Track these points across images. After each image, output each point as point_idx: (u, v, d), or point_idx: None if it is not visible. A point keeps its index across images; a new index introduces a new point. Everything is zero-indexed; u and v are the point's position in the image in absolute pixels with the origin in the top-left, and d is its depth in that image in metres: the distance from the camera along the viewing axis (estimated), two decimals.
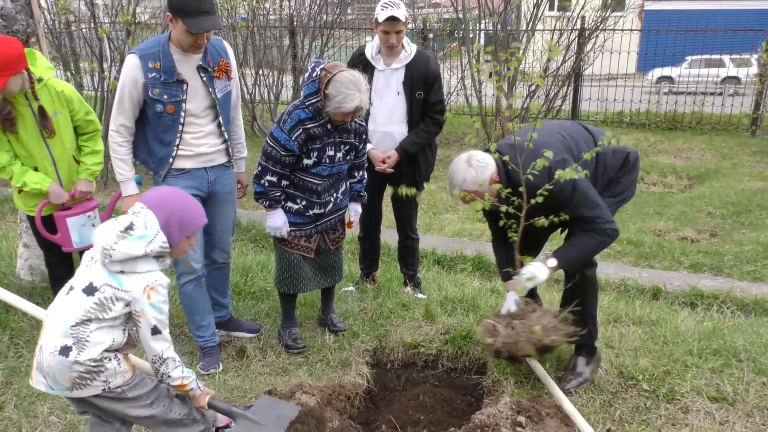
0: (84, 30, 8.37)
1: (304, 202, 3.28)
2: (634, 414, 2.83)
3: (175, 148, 3.06)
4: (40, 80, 3.17)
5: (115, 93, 6.83)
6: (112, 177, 7.29)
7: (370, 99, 3.76)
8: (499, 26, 9.18)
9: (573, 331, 2.89)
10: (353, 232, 4.14)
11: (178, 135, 3.05)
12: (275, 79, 10.48)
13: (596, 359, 3.16)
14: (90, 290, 2.13)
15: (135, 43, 6.57)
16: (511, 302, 3.01)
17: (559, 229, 3.05)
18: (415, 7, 13.20)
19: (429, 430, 2.92)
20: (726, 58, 12.09)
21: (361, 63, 3.82)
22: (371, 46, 3.83)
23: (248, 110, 10.09)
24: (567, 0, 9.47)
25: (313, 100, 3.06)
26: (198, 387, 2.36)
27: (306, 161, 3.18)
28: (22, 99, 3.13)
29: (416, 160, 3.89)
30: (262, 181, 3.19)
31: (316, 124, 3.10)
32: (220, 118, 3.15)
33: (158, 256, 2.19)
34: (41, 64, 3.24)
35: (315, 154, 3.16)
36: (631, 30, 10.80)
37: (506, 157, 2.81)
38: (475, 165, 2.82)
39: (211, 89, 3.07)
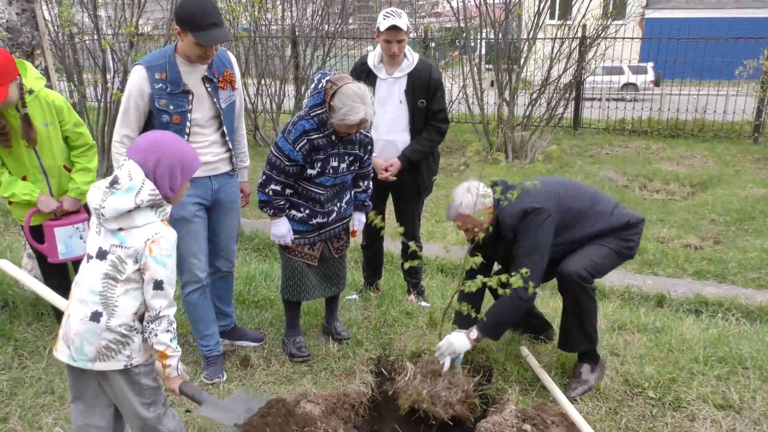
0: (87, 42, 8.43)
1: (307, 211, 3.29)
2: (640, 422, 2.82)
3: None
4: (31, 92, 3.15)
5: (117, 104, 6.85)
6: None
7: (372, 95, 3.79)
8: (500, 35, 9.22)
9: (467, 411, 2.99)
10: (356, 240, 4.15)
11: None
12: (277, 88, 10.52)
13: (600, 366, 3.15)
14: (101, 254, 2.13)
15: (138, 54, 6.62)
16: (447, 360, 3.07)
17: None
18: (417, 16, 13.26)
19: (427, 424, 2.90)
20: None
21: (363, 72, 3.84)
22: (374, 55, 3.85)
23: (251, 120, 10.12)
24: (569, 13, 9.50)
25: (318, 111, 3.07)
26: (177, 368, 2.27)
27: (310, 171, 3.19)
28: (13, 110, 3.12)
29: (419, 168, 3.90)
30: (267, 190, 3.20)
31: (321, 135, 3.11)
32: (224, 128, 3.16)
33: (154, 206, 2.13)
34: (31, 74, 3.22)
35: (319, 164, 3.17)
36: (632, 38, 10.84)
37: (498, 190, 3.00)
38: (473, 192, 3.03)
39: (215, 99, 3.09)
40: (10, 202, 3.32)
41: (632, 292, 4.56)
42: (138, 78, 2.95)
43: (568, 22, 9.34)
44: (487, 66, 11.35)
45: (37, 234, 3.35)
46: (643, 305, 4.34)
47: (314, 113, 3.08)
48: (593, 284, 3.02)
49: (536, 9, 9.08)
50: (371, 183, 3.54)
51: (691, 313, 4.26)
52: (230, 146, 3.23)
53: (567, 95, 9.48)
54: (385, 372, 3.42)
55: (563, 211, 3.04)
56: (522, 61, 9.33)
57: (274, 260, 5.31)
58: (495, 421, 2.82)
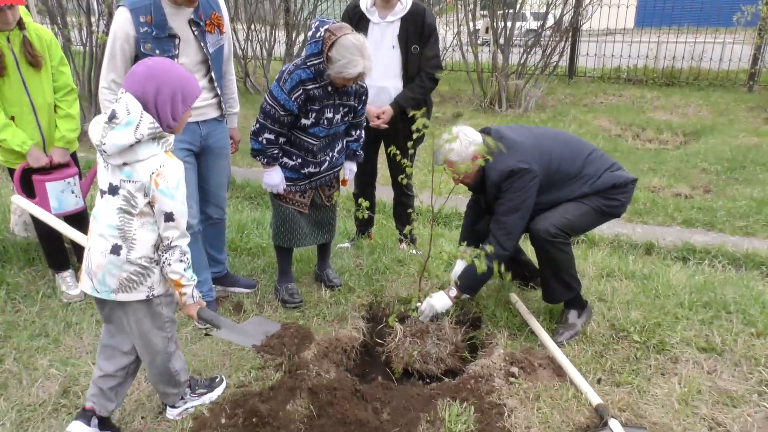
0: None
1: (299, 160, 3.27)
2: (624, 364, 2.89)
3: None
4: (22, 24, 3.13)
5: (103, 47, 6.68)
6: None
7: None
8: None
9: (459, 362, 3.08)
10: (348, 189, 4.14)
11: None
12: (268, 34, 10.28)
13: (587, 311, 3.21)
14: (113, 190, 2.14)
15: None
16: (441, 305, 3.12)
17: None
18: None
19: (424, 382, 2.97)
20: (527, 12, 11.89)
21: (355, 15, 3.75)
22: None
23: (240, 66, 9.92)
24: None
25: (314, 61, 3.00)
26: (192, 296, 2.32)
27: (304, 121, 3.15)
28: (3, 40, 3.07)
29: (411, 116, 3.85)
30: (260, 139, 3.16)
31: (317, 85, 3.05)
32: (212, 73, 3.10)
33: (156, 138, 2.10)
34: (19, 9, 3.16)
35: (313, 114, 3.13)
36: None
37: (489, 141, 2.98)
38: (461, 138, 2.99)
39: (203, 44, 3.01)
40: None
41: (621, 240, 4.61)
42: (122, 20, 2.85)
43: None
44: (482, 12, 11.11)
45: (27, 187, 3.32)
46: (631, 253, 4.39)
47: (311, 63, 3.01)
48: (565, 239, 3.01)
49: None
50: (363, 132, 3.51)
51: (679, 261, 4.32)
52: (218, 92, 3.17)
53: (563, 42, 9.33)
54: (376, 318, 3.48)
55: (551, 173, 3.01)
56: (518, 6, 9.13)
57: (266, 208, 5.31)
58: (483, 364, 2.89)
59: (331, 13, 11.06)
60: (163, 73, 2.11)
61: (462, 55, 9.58)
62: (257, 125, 3.16)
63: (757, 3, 8.94)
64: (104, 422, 2.44)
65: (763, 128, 7.90)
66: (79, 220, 3.51)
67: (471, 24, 9.20)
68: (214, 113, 3.20)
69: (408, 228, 3.33)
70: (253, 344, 2.62)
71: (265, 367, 2.88)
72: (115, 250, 2.16)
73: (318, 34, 2.97)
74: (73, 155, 3.51)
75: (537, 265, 3.62)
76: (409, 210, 4.08)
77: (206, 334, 3.11)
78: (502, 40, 9.06)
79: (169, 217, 2.15)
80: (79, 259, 3.74)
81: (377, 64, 3.75)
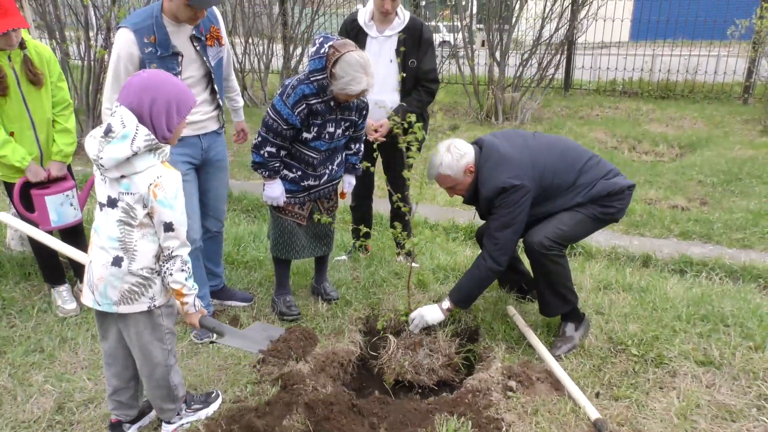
0: None
1: (299, 173, 3.28)
2: (622, 378, 2.88)
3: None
4: (22, 42, 3.15)
5: (101, 62, 6.69)
6: None
7: None
8: None
9: (452, 374, 3.07)
10: (345, 201, 4.14)
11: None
12: (265, 48, 10.32)
13: (585, 324, 3.20)
14: (112, 203, 2.14)
15: (121, 10, 6.44)
16: (432, 317, 3.12)
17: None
18: None
19: (422, 396, 2.96)
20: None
21: (353, 29, 3.77)
22: (364, 12, 3.77)
23: (239, 80, 9.95)
24: None
25: (318, 77, 3.01)
26: (194, 305, 2.33)
27: (305, 135, 3.16)
28: (5, 59, 3.09)
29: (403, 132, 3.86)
30: (262, 152, 3.17)
31: (320, 100, 3.07)
32: (215, 86, 3.12)
33: (152, 149, 2.11)
34: None
35: (315, 129, 3.15)
36: None
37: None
38: (452, 152, 3.01)
39: (205, 58, 3.03)
40: None
41: (618, 253, 4.60)
42: (126, 42, 2.83)
43: None
44: (478, 25, 11.18)
45: (26, 202, 3.32)
46: (629, 265, 4.39)
47: (314, 78, 3.02)
48: (560, 251, 3.00)
49: None
50: (363, 145, 3.51)
51: (676, 273, 4.32)
52: (220, 104, 3.19)
53: (558, 55, 9.38)
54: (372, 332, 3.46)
55: (545, 186, 3.00)
56: (513, 20, 9.19)
57: (263, 221, 5.30)
58: (481, 378, 2.88)
59: (329, 27, 11.12)
60: (158, 85, 2.12)
61: (458, 68, 9.62)
62: (259, 138, 3.17)
63: (751, 17, 9.01)
64: (135, 418, 2.54)
65: (759, 140, 7.94)
66: (77, 232, 3.51)
67: (467, 37, 9.26)
68: (214, 126, 3.22)
69: (408, 243, 3.32)
70: (259, 349, 2.62)
71: (261, 381, 2.86)
72: (117, 261, 2.17)
73: (322, 50, 2.98)
74: (68, 168, 3.52)
75: (533, 277, 3.63)
76: (405, 232, 4.09)
77: (211, 342, 3.10)
78: (498, 53, 9.11)
79: (168, 227, 2.16)
80: (76, 273, 3.74)
81: (375, 77, 3.77)
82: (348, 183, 3.57)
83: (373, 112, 3.79)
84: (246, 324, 3.41)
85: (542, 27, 9.02)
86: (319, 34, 3.09)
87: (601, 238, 4.83)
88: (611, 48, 11.26)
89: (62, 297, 3.54)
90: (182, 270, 2.23)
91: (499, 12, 9.00)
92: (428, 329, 3.18)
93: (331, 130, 3.19)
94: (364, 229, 3.28)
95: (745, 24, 9.02)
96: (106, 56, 6.79)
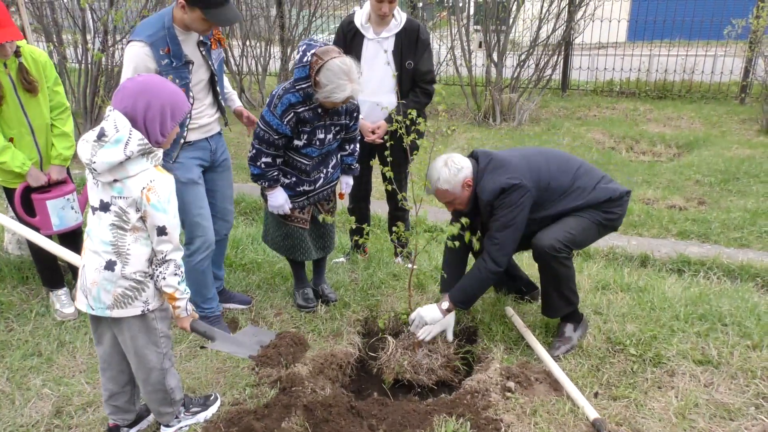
0: (65, 0, 8.19)
1: (294, 178, 3.30)
2: (621, 378, 2.88)
3: (186, 128, 3.02)
4: (17, 48, 3.15)
5: (99, 65, 6.66)
6: None
7: (359, 68, 3.72)
8: None
9: (451, 374, 3.09)
10: (343, 203, 4.14)
11: (188, 113, 3.01)
12: (263, 50, 10.32)
13: (583, 325, 3.21)
14: (104, 207, 2.14)
15: (118, 13, 6.43)
16: (431, 316, 3.10)
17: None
18: None
19: (420, 397, 2.96)
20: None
21: (350, 32, 3.78)
22: (361, 14, 3.78)
23: (236, 82, 9.95)
24: None
25: (303, 85, 3.02)
26: (186, 309, 2.32)
27: (296, 142, 3.18)
28: (1, 67, 3.09)
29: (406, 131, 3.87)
30: (258, 163, 3.18)
31: (307, 108, 3.07)
32: (218, 87, 3.15)
33: (145, 153, 2.11)
34: None
35: (305, 136, 3.16)
36: None
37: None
38: (450, 166, 3.01)
39: (210, 62, 3.05)
40: None
41: (617, 253, 4.61)
42: (142, 56, 2.80)
43: None
44: (475, 27, 11.19)
45: (27, 207, 3.31)
46: (627, 265, 4.39)
47: (299, 86, 3.03)
48: (568, 254, 3.02)
49: None
50: (358, 145, 3.51)
51: (674, 273, 4.32)
52: (221, 104, 3.21)
53: (555, 56, 9.39)
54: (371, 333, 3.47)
55: (542, 189, 3.01)
56: (510, 21, 9.20)
57: (260, 223, 5.30)
58: (480, 379, 2.88)
59: (326, 29, 11.12)
60: (153, 89, 2.12)
61: (456, 69, 9.63)
62: (253, 151, 3.18)
63: (747, 16, 9.02)
64: (132, 421, 2.54)
65: (756, 140, 7.95)
66: (75, 235, 3.51)
67: (465, 38, 9.27)
68: (218, 128, 3.26)
69: (406, 249, 3.33)
70: (249, 355, 2.61)
71: (260, 384, 2.86)
72: (110, 265, 2.16)
73: (305, 59, 2.97)
74: (67, 171, 3.52)
75: (531, 280, 3.63)
76: (405, 231, 4.09)
77: (201, 347, 3.09)
78: (495, 55, 9.12)
79: (161, 231, 2.15)
80: (74, 277, 3.73)
81: (371, 79, 3.78)
82: (345, 183, 3.57)
83: (372, 113, 3.80)
84: (244, 326, 3.40)
85: (539, 28, 9.03)
86: (303, 41, 3.08)
87: (599, 239, 4.83)
88: (608, 48, 11.27)
89: (60, 301, 3.54)
90: (175, 274, 2.23)
91: (496, 13, 9.00)
92: (434, 338, 3.16)
93: (321, 136, 3.20)
94: (367, 228, 3.27)
95: (742, 24, 9.02)
96: (103, 59, 6.78)
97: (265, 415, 2.60)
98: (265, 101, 10.13)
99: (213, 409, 2.67)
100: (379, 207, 5.03)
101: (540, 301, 3.26)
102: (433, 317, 3.10)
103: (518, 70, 9.23)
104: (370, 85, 3.77)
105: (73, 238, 3.50)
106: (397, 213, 4.17)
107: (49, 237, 3.31)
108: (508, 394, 2.77)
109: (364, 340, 3.41)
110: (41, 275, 3.64)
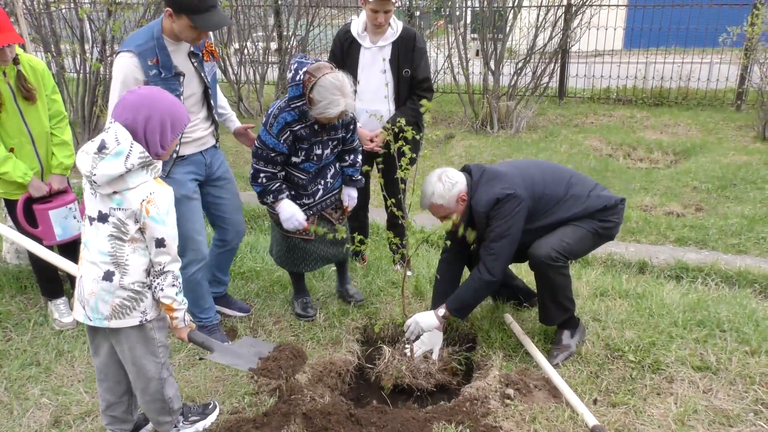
0: (64, 10, 8.22)
1: (293, 192, 3.32)
2: (620, 384, 2.88)
3: (178, 142, 3.02)
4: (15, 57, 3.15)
5: (97, 75, 6.67)
6: None
7: (356, 77, 3.74)
8: (485, 3, 9.12)
9: (449, 377, 3.10)
10: None
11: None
12: (260, 57, 10.36)
13: (581, 330, 3.21)
14: (102, 218, 2.14)
15: (116, 23, 6.45)
16: (427, 323, 3.10)
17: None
18: None
19: (419, 403, 2.95)
20: None
21: (347, 41, 3.80)
22: (357, 23, 3.80)
23: (234, 91, 9.98)
24: None
25: (298, 104, 3.03)
26: (183, 319, 2.33)
27: (294, 159, 3.20)
28: (0, 75, 3.09)
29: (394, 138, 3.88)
30: (259, 180, 3.20)
31: (303, 125, 3.09)
32: (212, 101, 3.14)
33: (145, 166, 2.12)
34: None
35: (303, 153, 3.19)
36: (618, 5, 10.78)
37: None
38: (444, 181, 3.02)
39: (203, 74, 3.04)
40: None
41: (615, 260, 4.61)
42: (130, 67, 2.79)
43: None
44: (472, 35, 11.24)
45: (29, 217, 3.30)
46: (625, 272, 4.40)
47: (294, 105, 3.04)
48: (565, 263, 3.02)
49: None
50: (360, 156, 3.50)
51: (672, 279, 4.33)
52: (215, 118, 3.21)
53: (552, 64, 9.44)
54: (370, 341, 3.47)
55: (537, 199, 3.02)
56: (507, 29, 9.25)
57: (259, 232, 5.31)
58: (479, 386, 2.88)
59: (323, 38, 11.17)
60: (153, 102, 2.13)
61: (453, 77, 9.67)
62: (252, 170, 3.21)
63: (742, 24, 9.08)
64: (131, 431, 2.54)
65: (752, 146, 7.99)
66: (75, 244, 3.50)
67: (462, 47, 9.31)
68: (212, 141, 3.24)
69: (400, 252, 3.33)
70: (249, 368, 2.61)
71: (258, 392, 2.86)
72: (108, 276, 2.16)
73: (298, 77, 2.98)
74: (67, 181, 3.52)
75: (529, 287, 3.64)
76: (402, 241, 4.10)
77: (200, 359, 3.09)
78: (492, 63, 9.16)
79: (160, 242, 2.16)
80: (73, 286, 3.73)
81: (368, 87, 3.80)
82: (347, 196, 3.54)
83: (370, 121, 3.81)
84: (243, 334, 3.40)
85: (536, 36, 9.08)
86: (294, 60, 3.09)
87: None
88: (605, 56, 11.33)
89: (59, 310, 3.53)
90: (173, 285, 2.23)
91: (493, 21, 9.05)
92: (427, 353, 3.17)
93: (319, 152, 3.22)
94: (358, 237, 3.27)
95: (737, 31, 9.08)
96: (101, 69, 6.80)
97: (264, 424, 2.60)
98: (263, 110, 10.18)
99: (212, 418, 2.66)
100: (377, 215, 5.04)
101: (537, 309, 3.27)
102: (429, 324, 3.10)
103: (515, 77, 9.27)
104: (367, 94, 3.79)
105: (73, 248, 3.49)
106: (396, 221, 4.17)
107: (50, 247, 3.32)
108: (508, 401, 2.77)
109: (363, 347, 3.41)
110: (40, 285, 3.63)
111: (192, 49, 2.97)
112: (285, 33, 10.37)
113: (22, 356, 3.18)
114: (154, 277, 2.22)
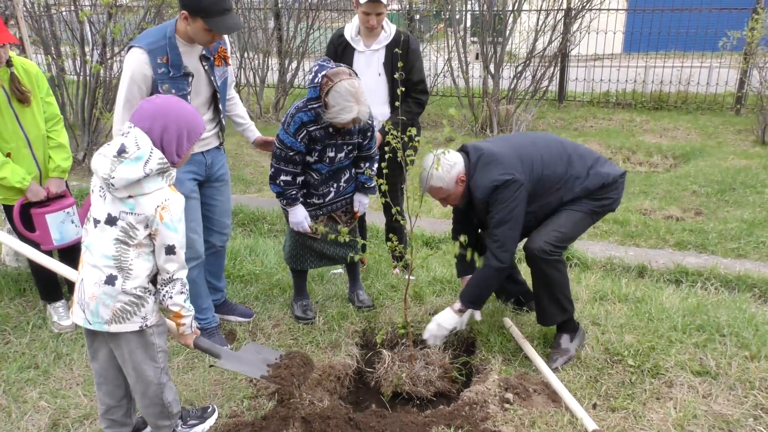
0: (64, 13, 8.22)
1: (305, 191, 3.37)
2: (619, 389, 2.88)
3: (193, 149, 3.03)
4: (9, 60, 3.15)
5: (97, 77, 6.69)
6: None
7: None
8: (485, 7, 9.13)
9: (449, 385, 3.09)
10: None
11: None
12: (261, 62, 10.37)
13: (580, 334, 3.21)
14: (111, 221, 2.15)
15: (117, 26, 6.46)
16: (449, 322, 3.11)
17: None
18: None
19: (419, 409, 2.95)
20: None
21: (340, 45, 3.80)
22: (351, 27, 3.81)
23: None
24: None
25: (314, 105, 3.10)
26: (191, 325, 2.36)
27: (308, 158, 3.26)
28: None
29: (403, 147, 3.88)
30: (278, 181, 3.26)
31: (318, 126, 3.15)
32: (220, 105, 3.16)
33: (162, 172, 2.15)
34: None
35: (316, 154, 3.25)
36: (617, 9, 10.80)
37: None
38: (442, 163, 2.99)
39: (212, 78, 3.06)
40: None
41: (614, 264, 4.61)
42: (139, 62, 2.82)
43: None
44: (472, 38, 11.25)
45: (26, 222, 3.27)
46: (624, 276, 4.39)
47: (311, 106, 3.11)
48: (560, 256, 3.02)
49: None
50: (376, 165, 3.50)
51: (672, 283, 4.33)
52: (222, 121, 3.22)
53: (552, 68, 9.45)
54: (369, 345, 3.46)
55: (536, 180, 3.01)
56: (507, 33, 9.26)
57: (258, 235, 5.31)
58: (478, 390, 2.87)
59: (324, 41, 11.17)
60: (170, 112, 2.16)
61: (453, 81, 9.68)
62: (272, 170, 3.27)
63: (742, 29, 9.09)
64: None
65: (752, 150, 7.99)
66: (74, 249, 3.49)
67: (461, 50, 9.33)
68: (215, 142, 3.26)
69: (403, 261, 3.33)
70: (261, 375, 2.62)
71: (257, 396, 2.86)
72: (110, 280, 2.16)
73: (316, 80, 3.06)
74: (66, 184, 3.51)
75: (530, 289, 3.63)
76: (402, 245, 4.10)
77: (210, 366, 3.07)
78: (492, 66, 9.17)
79: (170, 250, 2.18)
80: (71, 290, 3.72)
81: (364, 91, 3.79)
82: (358, 202, 3.58)
83: None
84: (242, 338, 3.40)
85: (536, 40, 9.09)
86: (316, 62, 3.16)
87: (596, 249, 4.85)
88: (604, 60, 11.33)
89: (58, 313, 3.52)
90: (181, 292, 2.26)
91: (492, 25, 9.06)
92: (423, 346, 3.16)
93: (332, 154, 3.27)
94: (361, 241, 3.30)
95: (737, 35, 9.09)
96: (101, 71, 6.81)
97: (263, 428, 2.60)
98: (262, 113, 10.19)
99: (210, 422, 2.66)
100: (377, 218, 5.04)
101: (535, 310, 3.27)
102: (451, 321, 3.10)
103: (515, 81, 9.28)
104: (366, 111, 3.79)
105: (72, 253, 3.48)
106: (394, 224, 4.18)
107: (49, 253, 3.30)
108: (507, 405, 2.77)
109: (363, 351, 3.40)
110: (40, 289, 3.62)
111: (204, 52, 2.98)
112: (285, 36, 10.38)
113: (21, 359, 3.17)
114: (161, 285, 2.23)
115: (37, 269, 3.52)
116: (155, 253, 2.20)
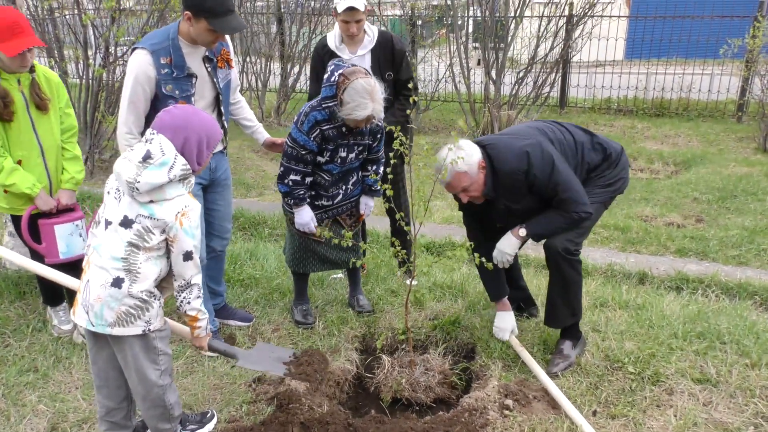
0: (68, 16, 8.25)
1: (312, 192, 3.38)
2: (619, 396, 2.87)
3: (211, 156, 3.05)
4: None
5: (99, 80, 6.70)
6: (99, 165, 7.23)
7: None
8: (487, 13, 9.15)
9: (448, 391, 3.09)
10: None
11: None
12: (263, 66, 10.40)
13: (581, 342, 3.20)
14: (126, 223, 2.17)
15: (120, 30, 6.48)
16: (511, 246, 3.09)
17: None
18: None
19: (418, 415, 2.94)
20: None
21: (325, 54, 3.80)
22: (333, 36, 3.82)
23: None
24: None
25: (329, 104, 3.12)
26: (206, 328, 2.41)
27: (319, 158, 3.27)
28: (14, 83, 3.07)
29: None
30: (286, 181, 3.26)
31: (332, 126, 3.17)
32: (222, 107, 3.16)
33: (183, 179, 2.20)
34: None
35: (328, 153, 3.26)
36: (619, 16, 10.82)
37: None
38: (465, 148, 2.97)
39: (215, 79, 3.07)
40: (5, 191, 3.16)
41: (615, 270, 4.60)
42: (143, 63, 2.84)
43: (555, 0, 9.27)
44: (474, 44, 11.28)
45: (33, 233, 3.21)
46: (625, 282, 4.39)
47: (326, 105, 3.13)
48: (578, 256, 3.05)
49: None
50: (382, 168, 3.52)
51: (672, 290, 4.32)
52: (225, 125, 3.22)
53: (553, 74, 9.46)
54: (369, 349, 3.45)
55: (556, 144, 3.05)
56: (509, 39, 9.28)
57: (259, 239, 5.31)
58: (478, 396, 2.87)
59: None
60: (189, 124, 2.21)
61: (455, 86, 9.69)
62: (282, 168, 3.27)
63: (743, 36, 9.11)
64: None
65: (753, 158, 7.99)
66: (78, 262, 3.44)
67: (463, 56, 9.35)
68: (219, 146, 3.25)
69: (405, 267, 3.33)
70: (284, 373, 2.67)
71: (256, 401, 2.85)
72: (117, 282, 2.17)
73: (333, 78, 3.09)
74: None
75: (531, 296, 3.63)
76: (404, 250, 4.10)
77: (232, 367, 3.08)
78: (493, 72, 9.19)
79: (188, 256, 2.21)
80: (69, 293, 3.71)
81: (379, 90, 3.81)
82: (364, 204, 3.59)
83: None
84: (242, 342, 3.39)
85: (537, 46, 9.11)
86: (332, 62, 3.19)
87: (597, 256, 4.84)
88: (606, 67, 11.36)
89: (59, 316, 3.52)
90: (198, 297, 2.30)
91: (494, 31, 9.08)
92: (423, 351, 3.16)
93: (344, 155, 3.28)
94: (364, 246, 3.31)
95: (738, 43, 9.11)
96: (104, 75, 6.82)
97: None
98: (264, 117, 10.21)
99: (209, 427, 2.65)
100: (378, 223, 5.04)
101: (544, 312, 3.25)
102: (513, 245, 3.07)
103: (517, 87, 9.30)
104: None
105: (75, 266, 3.38)
106: (400, 230, 4.17)
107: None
108: (506, 412, 2.76)
109: (362, 356, 3.40)
110: (43, 293, 3.58)
111: (207, 53, 2.99)
112: (287, 40, 10.40)
113: (20, 362, 3.17)
114: (178, 292, 2.27)
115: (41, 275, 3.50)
116: (172, 260, 2.23)
